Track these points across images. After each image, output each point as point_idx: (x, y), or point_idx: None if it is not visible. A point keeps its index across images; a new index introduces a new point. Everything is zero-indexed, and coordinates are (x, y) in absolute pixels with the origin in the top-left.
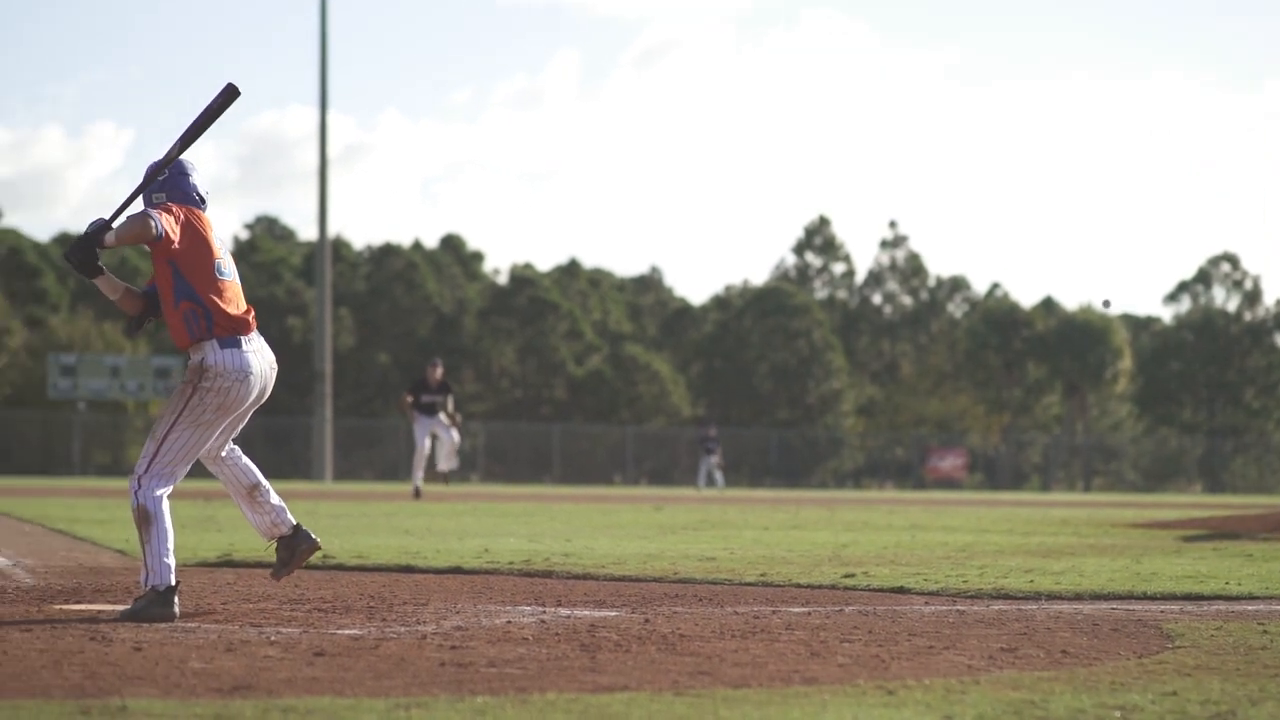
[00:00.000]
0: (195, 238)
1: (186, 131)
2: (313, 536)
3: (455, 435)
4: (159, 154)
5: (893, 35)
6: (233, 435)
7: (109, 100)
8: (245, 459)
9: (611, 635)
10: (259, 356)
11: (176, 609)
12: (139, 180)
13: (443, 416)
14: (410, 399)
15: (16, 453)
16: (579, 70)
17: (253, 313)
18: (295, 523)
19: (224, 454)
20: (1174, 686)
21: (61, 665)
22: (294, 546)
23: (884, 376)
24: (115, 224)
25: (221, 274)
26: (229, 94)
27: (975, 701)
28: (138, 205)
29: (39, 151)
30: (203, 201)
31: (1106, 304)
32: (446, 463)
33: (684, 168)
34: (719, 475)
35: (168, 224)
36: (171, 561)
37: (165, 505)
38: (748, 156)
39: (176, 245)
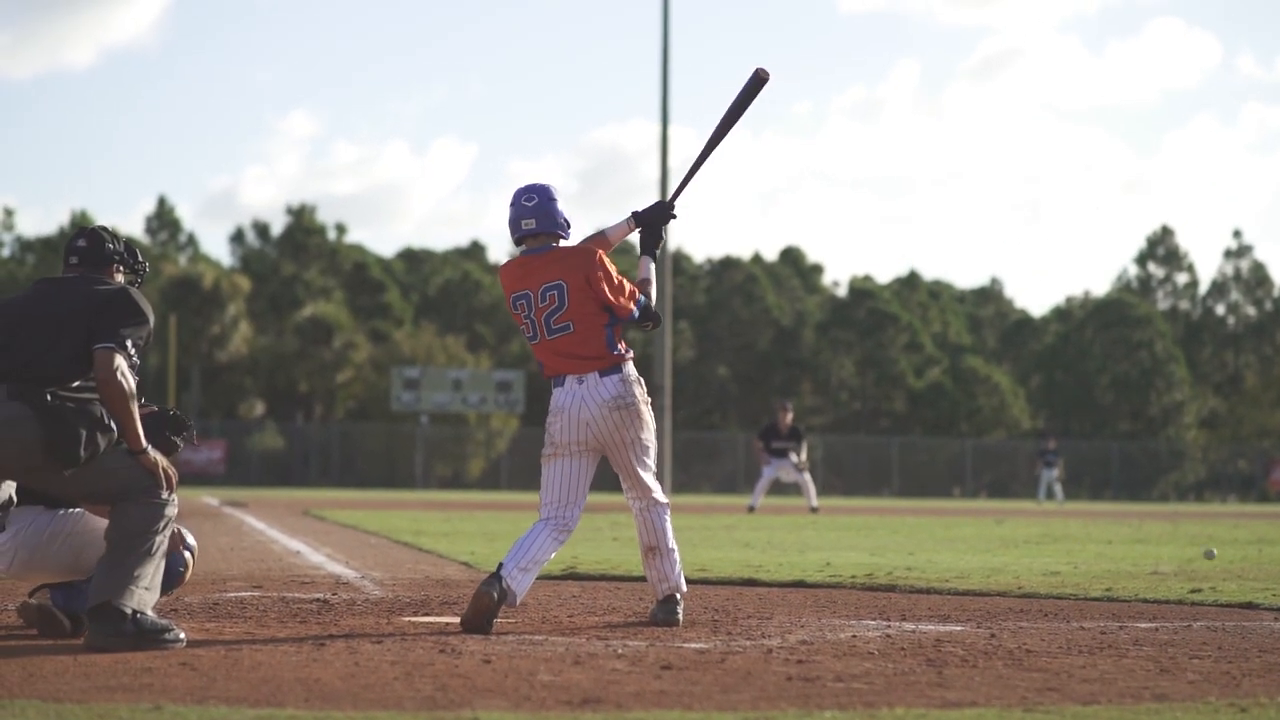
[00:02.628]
0: None
1: (720, 124)
2: (678, 615)
3: (808, 477)
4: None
5: (1235, 43)
6: (625, 476)
7: (452, 116)
8: (654, 518)
9: (957, 650)
10: (568, 394)
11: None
12: (547, 194)
13: (793, 457)
14: (761, 444)
15: (360, 465)
16: (919, 80)
17: (556, 363)
18: (681, 590)
19: (639, 505)
20: None
21: (413, 677)
22: (670, 612)
23: (1227, 388)
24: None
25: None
26: (758, 81)
27: None
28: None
29: (383, 168)
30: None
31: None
32: (813, 500)
33: (1024, 178)
34: (1059, 488)
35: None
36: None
37: (536, 530)
38: (1089, 167)
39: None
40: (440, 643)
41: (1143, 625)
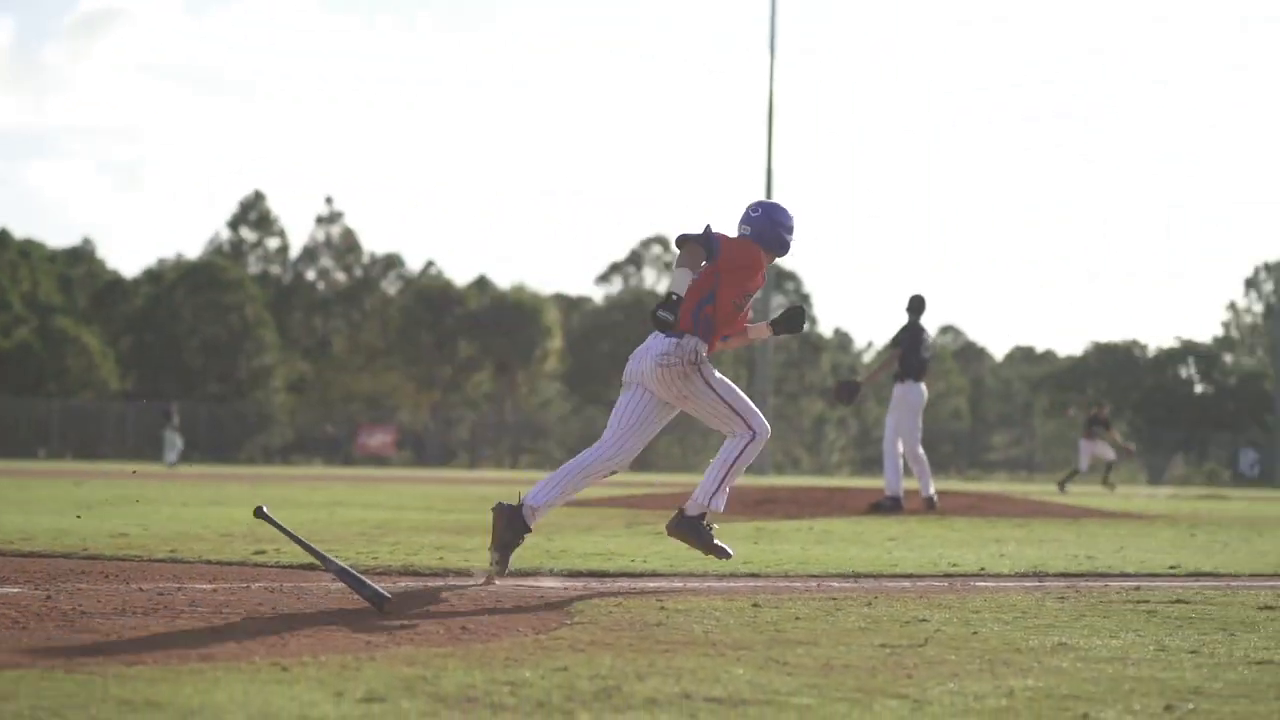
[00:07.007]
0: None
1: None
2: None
3: None
4: None
5: (338, 6)
6: (708, 423)
7: None
8: (728, 444)
9: (10, 612)
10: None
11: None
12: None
13: None
14: None
15: None
16: (14, 37)
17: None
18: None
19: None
20: (566, 662)
21: None
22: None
23: (316, 353)
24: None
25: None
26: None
27: (368, 678)
28: None
29: None
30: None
31: None
32: None
33: (121, 139)
34: (178, 444)
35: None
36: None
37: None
38: (187, 130)
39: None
40: None
41: (202, 586)
